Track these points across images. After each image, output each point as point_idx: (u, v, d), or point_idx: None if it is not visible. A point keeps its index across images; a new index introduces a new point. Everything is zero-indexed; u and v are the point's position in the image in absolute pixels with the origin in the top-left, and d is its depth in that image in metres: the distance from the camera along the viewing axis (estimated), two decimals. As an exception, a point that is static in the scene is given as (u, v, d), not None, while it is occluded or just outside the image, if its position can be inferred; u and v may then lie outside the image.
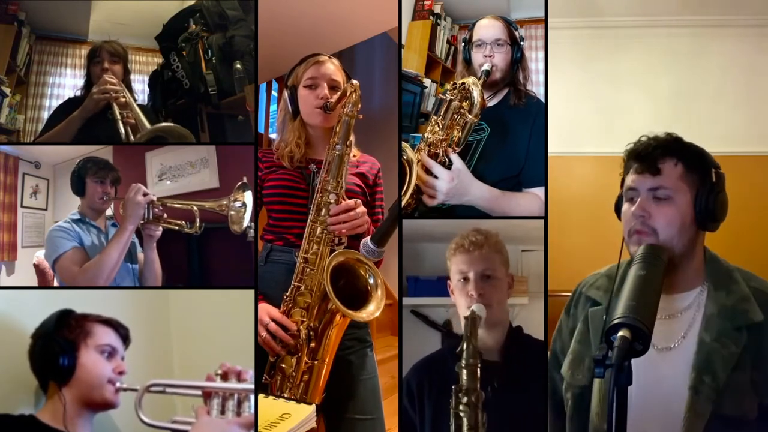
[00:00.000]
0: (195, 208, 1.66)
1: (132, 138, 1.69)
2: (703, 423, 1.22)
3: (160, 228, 1.68)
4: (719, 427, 1.22)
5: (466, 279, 1.44)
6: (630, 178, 1.33)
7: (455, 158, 1.55)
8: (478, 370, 1.27)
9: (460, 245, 1.46)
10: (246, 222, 1.62)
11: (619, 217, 1.38)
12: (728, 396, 1.22)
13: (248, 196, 1.62)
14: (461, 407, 1.26)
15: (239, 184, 1.62)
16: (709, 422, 1.22)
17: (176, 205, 1.69)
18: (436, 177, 1.55)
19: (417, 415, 1.48)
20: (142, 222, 1.65)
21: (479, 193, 1.56)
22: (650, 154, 1.29)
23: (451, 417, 1.27)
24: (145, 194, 1.64)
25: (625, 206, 1.34)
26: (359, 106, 1.59)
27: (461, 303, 1.44)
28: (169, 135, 1.70)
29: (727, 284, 1.29)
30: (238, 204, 1.62)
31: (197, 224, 1.66)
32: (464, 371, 1.27)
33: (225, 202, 1.63)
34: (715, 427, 1.22)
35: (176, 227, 1.68)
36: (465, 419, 1.25)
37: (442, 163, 1.56)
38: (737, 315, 1.25)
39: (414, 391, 1.48)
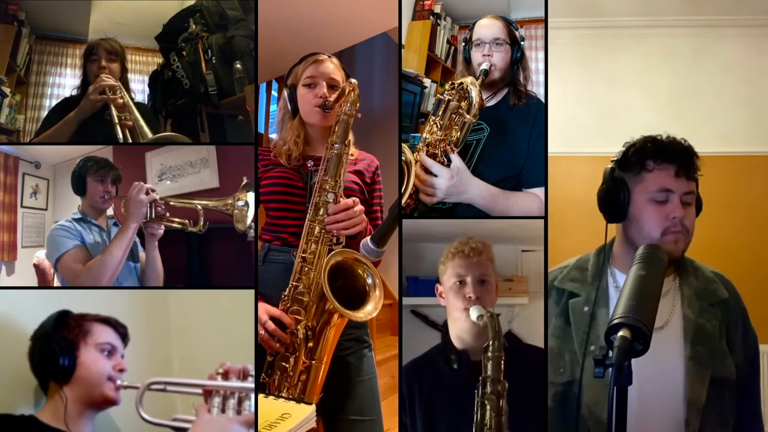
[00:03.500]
0: (199, 207, 1.66)
1: (130, 140, 1.68)
2: (705, 387, 1.39)
3: (163, 227, 1.67)
4: (712, 389, 1.39)
5: (462, 282, 1.50)
6: (663, 179, 1.40)
7: (454, 157, 1.55)
8: (502, 362, 1.38)
9: (459, 250, 1.52)
10: (249, 220, 1.62)
11: (608, 209, 1.49)
12: (716, 361, 1.41)
13: (251, 196, 1.63)
14: (486, 396, 1.37)
15: (243, 183, 1.63)
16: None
17: (179, 204, 1.68)
18: (435, 175, 1.55)
19: (408, 416, 1.51)
20: (144, 221, 1.64)
21: (477, 191, 1.56)
22: (689, 159, 1.42)
23: (476, 405, 1.38)
24: (147, 192, 1.63)
25: (654, 207, 1.41)
26: (358, 105, 1.58)
27: (456, 305, 1.50)
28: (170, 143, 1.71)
29: (693, 271, 1.50)
30: (241, 203, 1.62)
31: (201, 223, 1.65)
32: (490, 362, 1.38)
33: (230, 201, 1.63)
34: (709, 389, 1.39)
35: (179, 226, 1.67)
36: (489, 407, 1.37)
37: (441, 163, 1.56)
38: (709, 294, 1.47)
39: (404, 392, 1.52)
